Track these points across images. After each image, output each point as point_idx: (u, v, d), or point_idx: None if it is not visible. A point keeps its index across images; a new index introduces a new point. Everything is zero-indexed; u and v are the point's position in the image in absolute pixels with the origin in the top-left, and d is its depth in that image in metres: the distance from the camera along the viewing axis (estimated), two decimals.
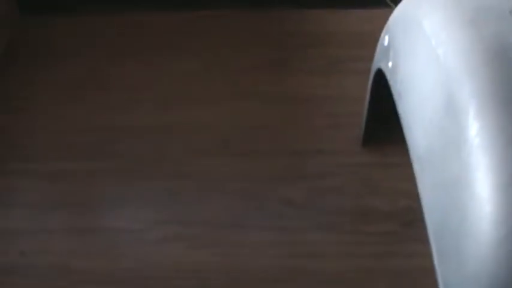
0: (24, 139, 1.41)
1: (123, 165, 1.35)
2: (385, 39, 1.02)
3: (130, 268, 1.20)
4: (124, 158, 1.36)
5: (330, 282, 1.16)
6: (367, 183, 1.28)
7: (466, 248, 0.65)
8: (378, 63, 1.07)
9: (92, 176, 1.33)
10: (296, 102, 1.45)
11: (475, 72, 0.73)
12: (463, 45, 0.77)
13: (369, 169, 1.31)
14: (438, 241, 0.72)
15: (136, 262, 1.21)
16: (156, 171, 1.34)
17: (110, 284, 1.18)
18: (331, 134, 1.38)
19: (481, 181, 0.66)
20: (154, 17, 1.65)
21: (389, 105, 0.92)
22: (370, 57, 1.11)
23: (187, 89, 1.49)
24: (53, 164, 1.35)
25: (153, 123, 1.42)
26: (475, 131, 0.69)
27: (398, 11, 0.99)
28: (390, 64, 0.97)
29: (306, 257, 1.19)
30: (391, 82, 0.96)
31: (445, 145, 0.73)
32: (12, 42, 1.62)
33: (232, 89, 1.49)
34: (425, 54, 0.83)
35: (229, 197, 1.28)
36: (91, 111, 1.45)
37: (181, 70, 1.53)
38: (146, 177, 1.33)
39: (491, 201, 0.65)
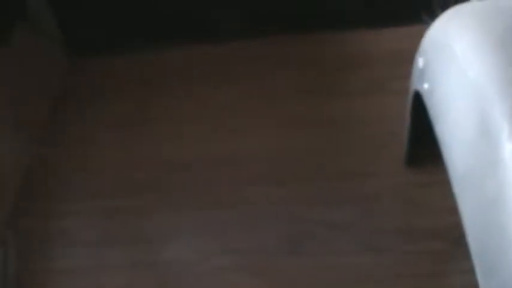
0: (76, 177, 1.47)
1: (174, 198, 1.39)
2: (420, 62, 1.03)
3: None
4: (174, 190, 1.41)
5: None
6: (412, 203, 1.30)
7: (506, 266, 0.68)
8: (414, 85, 1.08)
9: (144, 210, 1.38)
10: (338, 125, 1.48)
11: (505, 93, 0.76)
12: (493, 66, 0.81)
13: (413, 189, 1.32)
14: (480, 260, 0.74)
15: None
16: (205, 201, 1.38)
17: None
18: (374, 155, 1.40)
19: None
20: (195, 50, 1.70)
21: (429, 125, 0.94)
22: (409, 76, 1.11)
23: (230, 119, 1.54)
24: (107, 201, 1.41)
25: (199, 154, 1.47)
26: (509, 152, 0.72)
27: (430, 33, 1.01)
28: (426, 86, 0.99)
29: (354, 281, 1.22)
30: (427, 104, 0.97)
31: (482, 166, 0.76)
32: (64, 84, 1.70)
33: (274, 116, 1.53)
34: (457, 77, 0.87)
35: (277, 224, 1.32)
36: (138, 146, 1.51)
37: (223, 100, 1.59)
38: (196, 208, 1.37)
39: None
